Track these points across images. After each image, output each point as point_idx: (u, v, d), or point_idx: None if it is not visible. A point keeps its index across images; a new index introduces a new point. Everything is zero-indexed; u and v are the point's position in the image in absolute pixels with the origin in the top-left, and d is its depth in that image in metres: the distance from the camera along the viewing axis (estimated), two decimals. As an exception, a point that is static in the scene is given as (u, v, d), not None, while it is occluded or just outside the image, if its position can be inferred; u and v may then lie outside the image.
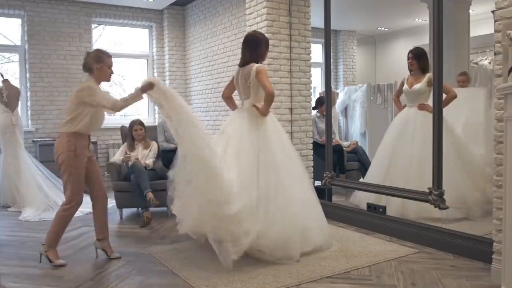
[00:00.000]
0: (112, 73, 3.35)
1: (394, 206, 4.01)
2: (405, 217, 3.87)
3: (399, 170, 4.17)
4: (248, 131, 3.32)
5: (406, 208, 3.95)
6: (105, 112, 3.33)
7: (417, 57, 4.29)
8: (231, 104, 3.72)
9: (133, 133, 4.92)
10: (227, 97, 3.70)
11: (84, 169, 3.25)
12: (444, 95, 3.80)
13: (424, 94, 4.25)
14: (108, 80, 3.36)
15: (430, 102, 3.80)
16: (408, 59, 4.38)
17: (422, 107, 4.23)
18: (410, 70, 4.40)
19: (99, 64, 3.24)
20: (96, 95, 3.14)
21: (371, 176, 4.51)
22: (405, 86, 4.39)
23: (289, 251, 3.13)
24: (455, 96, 4.09)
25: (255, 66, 3.34)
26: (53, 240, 3.25)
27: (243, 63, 3.43)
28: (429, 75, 4.15)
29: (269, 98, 3.30)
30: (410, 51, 4.38)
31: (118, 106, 3.15)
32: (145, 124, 5.02)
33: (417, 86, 4.29)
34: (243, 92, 3.46)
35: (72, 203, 3.22)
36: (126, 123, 5.19)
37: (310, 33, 5.01)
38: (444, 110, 3.62)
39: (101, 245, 3.41)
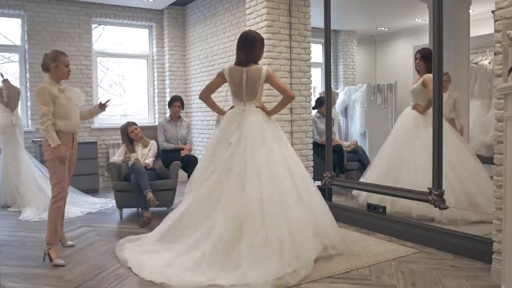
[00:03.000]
0: (69, 71, 3.51)
1: (438, 213, 3.79)
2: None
3: (424, 170, 3.94)
4: (264, 135, 3.25)
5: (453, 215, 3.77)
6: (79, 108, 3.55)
7: (424, 58, 4.24)
8: (215, 107, 3.58)
9: (130, 135, 4.94)
10: (209, 98, 3.53)
11: (66, 163, 3.39)
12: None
13: (419, 95, 4.28)
14: (66, 77, 3.51)
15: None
16: (416, 59, 4.36)
17: (414, 106, 4.30)
18: (417, 70, 4.39)
19: (55, 63, 3.40)
20: (40, 99, 3.33)
21: (376, 176, 4.38)
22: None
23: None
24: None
25: (264, 68, 3.31)
26: (52, 237, 3.33)
27: (245, 62, 3.32)
28: (425, 76, 4.19)
29: (289, 100, 3.38)
30: (418, 51, 4.36)
31: (43, 120, 3.34)
32: (145, 124, 5.04)
33: (414, 86, 4.33)
34: (247, 93, 3.32)
35: (59, 196, 3.37)
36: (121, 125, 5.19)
37: (310, 33, 5.01)
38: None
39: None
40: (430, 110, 3.61)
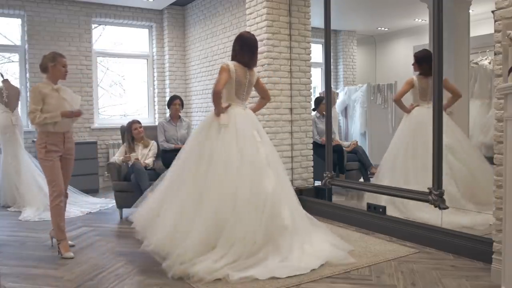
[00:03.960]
0: (66, 71, 3.60)
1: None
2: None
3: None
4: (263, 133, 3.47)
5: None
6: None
7: (417, 61, 4.28)
8: (221, 105, 3.29)
9: (133, 132, 4.93)
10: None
11: (57, 162, 3.46)
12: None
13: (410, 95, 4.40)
14: (63, 77, 3.59)
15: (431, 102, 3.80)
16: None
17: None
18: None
19: (53, 63, 3.52)
20: (31, 98, 3.45)
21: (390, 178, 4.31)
22: None
23: None
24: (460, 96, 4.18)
25: (256, 72, 3.51)
26: (58, 233, 3.46)
27: (250, 65, 3.39)
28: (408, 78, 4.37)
29: (267, 102, 3.75)
30: (414, 54, 4.39)
31: (31, 117, 3.39)
32: (145, 124, 5.03)
33: None
34: (246, 94, 3.43)
35: (54, 194, 3.42)
36: (126, 123, 5.18)
37: (310, 33, 5.01)
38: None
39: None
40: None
